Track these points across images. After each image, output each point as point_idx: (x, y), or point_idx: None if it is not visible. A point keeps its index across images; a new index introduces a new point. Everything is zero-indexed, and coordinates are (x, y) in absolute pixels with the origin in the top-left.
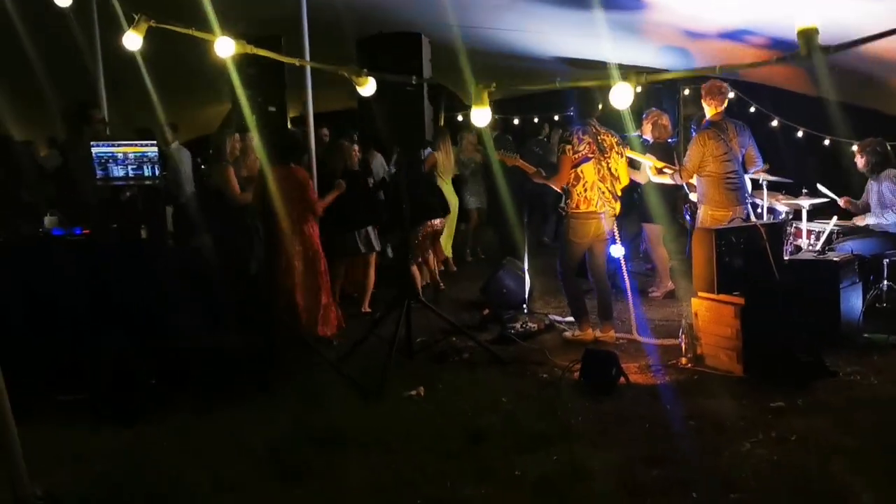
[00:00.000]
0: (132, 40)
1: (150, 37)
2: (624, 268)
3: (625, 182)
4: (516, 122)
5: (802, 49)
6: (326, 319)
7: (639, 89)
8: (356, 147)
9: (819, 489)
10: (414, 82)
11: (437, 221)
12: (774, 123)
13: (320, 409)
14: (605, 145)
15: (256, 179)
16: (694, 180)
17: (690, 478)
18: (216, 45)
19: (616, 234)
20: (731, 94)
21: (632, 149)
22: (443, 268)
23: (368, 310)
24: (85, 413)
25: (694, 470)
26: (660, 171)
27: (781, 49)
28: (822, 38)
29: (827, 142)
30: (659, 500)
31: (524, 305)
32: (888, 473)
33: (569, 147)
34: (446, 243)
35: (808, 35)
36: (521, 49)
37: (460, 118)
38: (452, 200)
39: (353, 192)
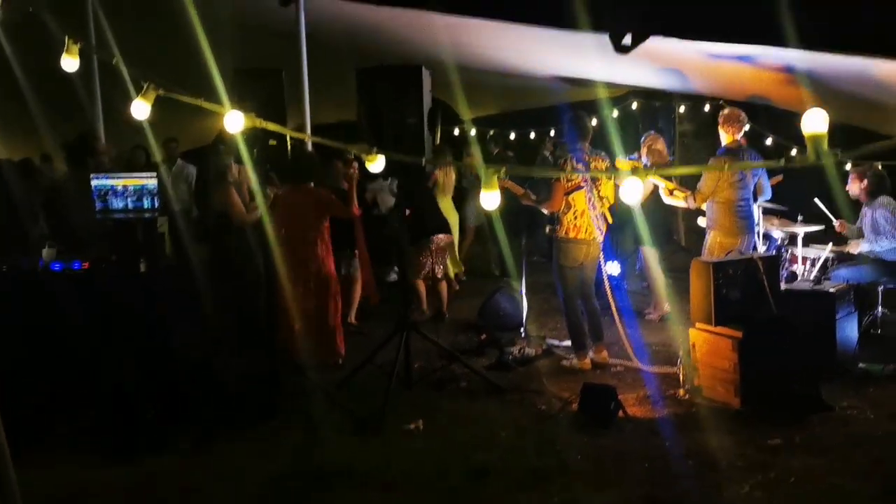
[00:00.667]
0: (140, 109)
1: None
2: (606, 285)
3: (611, 202)
4: (512, 136)
5: (811, 155)
6: (333, 343)
7: (634, 106)
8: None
9: None
10: (423, 165)
11: (440, 236)
12: (768, 142)
13: (320, 443)
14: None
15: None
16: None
17: None
18: (226, 119)
19: (602, 256)
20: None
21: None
22: (457, 287)
23: (354, 321)
24: (84, 446)
25: None
26: (671, 193)
27: (791, 73)
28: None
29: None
30: None
31: (522, 328)
32: None
33: (562, 175)
34: (454, 261)
35: (817, 141)
36: (515, 67)
37: (457, 132)
38: (452, 218)
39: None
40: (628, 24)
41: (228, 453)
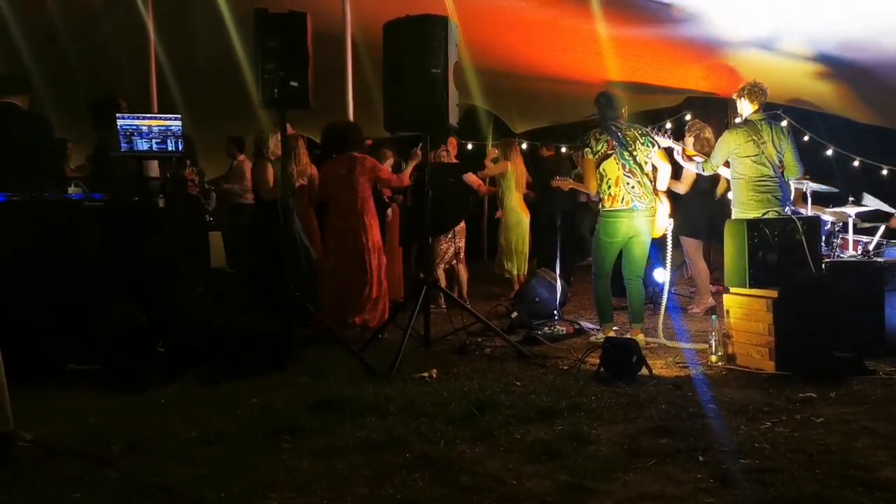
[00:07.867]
0: None
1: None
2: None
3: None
4: (563, 150)
5: None
6: (382, 311)
7: (688, 117)
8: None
9: (838, 459)
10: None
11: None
12: (829, 152)
13: (326, 383)
14: (629, 138)
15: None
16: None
17: (700, 446)
18: None
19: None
20: (784, 123)
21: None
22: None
23: None
24: (94, 382)
25: (705, 440)
26: (690, 159)
27: (824, 62)
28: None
29: (885, 171)
30: (661, 462)
31: (556, 313)
32: None
33: (587, 150)
34: (520, 261)
35: None
36: (556, 72)
37: None
38: (523, 215)
39: None
40: None
41: (232, 388)
